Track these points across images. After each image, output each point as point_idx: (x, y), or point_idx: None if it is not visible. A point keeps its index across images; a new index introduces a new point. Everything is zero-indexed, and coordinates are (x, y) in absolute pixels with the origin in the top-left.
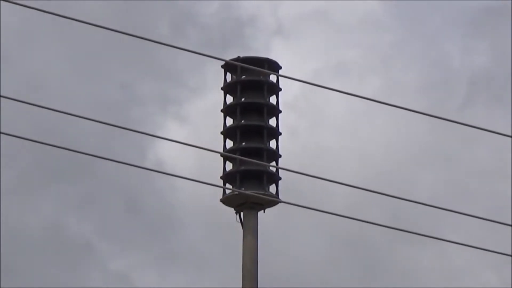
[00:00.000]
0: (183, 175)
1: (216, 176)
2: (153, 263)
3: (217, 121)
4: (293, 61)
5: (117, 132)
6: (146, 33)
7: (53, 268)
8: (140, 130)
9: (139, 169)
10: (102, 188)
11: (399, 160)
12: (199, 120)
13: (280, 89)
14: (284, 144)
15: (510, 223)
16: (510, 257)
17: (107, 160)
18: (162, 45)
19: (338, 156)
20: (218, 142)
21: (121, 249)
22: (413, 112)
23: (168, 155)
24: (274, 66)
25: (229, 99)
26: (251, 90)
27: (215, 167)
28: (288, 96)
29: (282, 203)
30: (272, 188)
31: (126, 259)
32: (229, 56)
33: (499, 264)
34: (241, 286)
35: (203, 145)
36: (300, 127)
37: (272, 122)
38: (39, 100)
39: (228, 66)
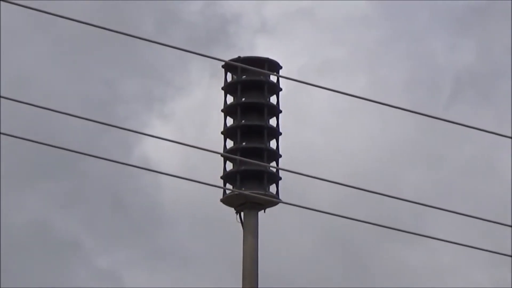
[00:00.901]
0: (169, 172)
1: (203, 173)
2: (140, 260)
3: (202, 118)
4: (277, 59)
5: (102, 130)
6: (131, 32)
7: (39, 266)
8: (127, 128)
9: (124, 166)
10: (88, 185)
11: (384, 159)
12: (184, 118)
13: (281, 89)
14: (285, 144)
15: (497, 221)
16: (497, 256)
17: (92, 158)
18: (146, 43)
19: (323, 154)
20: (204, 139)
21: (108, 246)
22: (398, 111)
23: (154, 152)
24: (274, 66)
25: (230, 99)
26: (252, 90)
27: (201, 164)
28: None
29: (282, 203)
30: (273, 188)
31: (113, 256)
32: (214, 54)
33: (487, 262)
34: (241, 286)
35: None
36: (285, 125)
37: (273, 122)
38: (23, 97)
39: (228, 66)
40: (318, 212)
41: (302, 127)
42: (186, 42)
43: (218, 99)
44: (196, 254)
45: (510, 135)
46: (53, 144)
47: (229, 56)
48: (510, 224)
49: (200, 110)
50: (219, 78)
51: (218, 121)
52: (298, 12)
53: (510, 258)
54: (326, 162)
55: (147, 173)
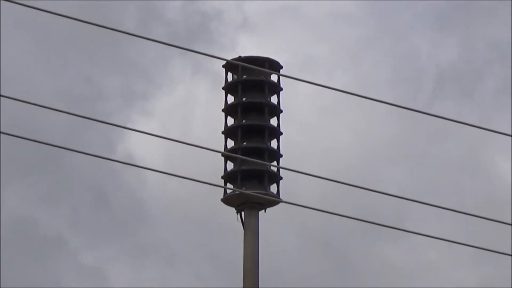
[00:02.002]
0: (151, 167)
1: (188, 170)
2: (124, 257)
3: (185, 115)
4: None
5: (84, 126)
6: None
7: (23, 262)
8: (117, 125)
9: (107, 162)
10: (71, 181)
11: (367, 156)
12: (166, 115)
13: (281, 89)
14: (284, 144)
15: (483, 216)
16: (480, 253)
17: (73, 153)
18: (128, 40)
19: (305, 152)
20: (187, 136)
21: (92, 242)
22: (381, 108)
23: (137, 148)
24: (275, 66)
25: (230, 98)
26: (252, 89)
27: (184, 159)
28: None
29: (283, 203)
30: (273, 188)
31: (97, 252)
32: (194, 49)
33: (470, 260)
34: (241, 285)
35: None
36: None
37: (273, 121)
38: (4, 92)
39: (229, 66)
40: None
41: (286, 124)
42: (167, 39)
43: (202, 95)
44: (181, 251)
45: (493, 130)
46: (36, 139)
47: (209, 53)
48: (497, 220)
49: (182, 107)
50: (202, 74)
51: (202, 117)
52: (280, 9)
53: (493, 255)
54: (308, 160)
55: (131, 169)
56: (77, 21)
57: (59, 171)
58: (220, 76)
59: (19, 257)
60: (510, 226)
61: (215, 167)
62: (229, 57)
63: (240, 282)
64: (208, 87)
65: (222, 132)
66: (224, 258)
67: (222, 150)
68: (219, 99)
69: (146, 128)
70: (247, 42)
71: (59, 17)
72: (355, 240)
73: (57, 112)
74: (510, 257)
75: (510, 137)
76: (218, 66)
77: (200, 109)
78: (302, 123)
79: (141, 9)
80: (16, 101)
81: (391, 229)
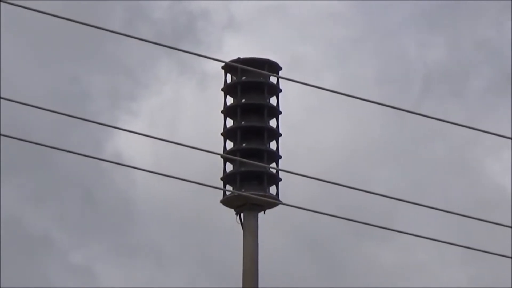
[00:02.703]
0: (140, 167)
1: (175, 169)
2: (114, 256)
3: (172, 115)
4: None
5: (72, 125)
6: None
7: (11, 262)
8: (104, 125)
9: (95, 162)
10: (59, 180)
11: (355, 156)
12: (152, 115)
13: (281, 90)
14: (284, 145)
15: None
16: (469, 253)
17: (61, 153)
18: (114, 40)
19: (293, 152)
20: (176, 136)
21: (81, 241)
22: (368, 108)
23: (125, 148)
24: (274, 68)
25: (230, 100)
26: (252, 91)
27: (172, 159)
28: None
29: (282, 204)
30: (273, 189)
31: (86, 251)
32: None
33: (459, 260)
34: (241, 286)
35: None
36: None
37: (273, 123)
38: None
39: (228, 67)
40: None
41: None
42: (153, 39)
43: (188, 96)
44: (170, 251)
45: (482, 130)
46: (24, 139)
47: (196, 52)
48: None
49: (169, 107)
50: (189, 74)
51: (189, 117)
52: (268, 8)
53: (482, 255)
54: (297, 160)
55: (119, 169)
56: (64, 21)
57: (47, 170)
58: (207, 75)
59: (8, 257)
60: (499, 226)
61: (205, 167)
62: (215, 57)
63: (235, 283)
64: (195, 87)
65: (221, 134)
66: (217, 259)
67: (221, 151)
68: (206, 98)
69: (135, 128)
70: (234, 42)
71: (45, 16)
72: (344, 240)
73: (43, 112)
74: (498, 257)
75: (497, 137)
76: (205, 66)
77: (187, 109)
78: (289, 123)
79: (127, 9)
80: (3, 100)
81: (381, 230)
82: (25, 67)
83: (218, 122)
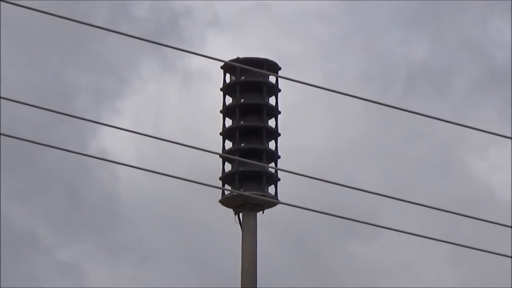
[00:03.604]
0: (125, 163)
1: (160, 165)
2: (101, 253)
3: (156, 113)
4: (231, 53)
5: (56, 123)
6: (82, 26)
7: None
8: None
9: (80, 159)
10: (44, 178)
11: (340, 155)
12: (136, 113)
13: (279, 90)
14: (283, 145)
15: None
16: (456, 253)
17: (46, 151)
18: (97, 38)
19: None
20: (160, 133)
21: (66, 239)
22: (352, 106)
23: (109, 145)
24: (273, 67)
25: (228, 100)
26: (250, 91)
27: (156, 157)
28: None
29: (281, 204)
30: (271, 189)
31: (73, 249)
32: (164, 48)
33: (445, 259)
34: (240, 286)
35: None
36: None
37: (271, 123)
38: None
39: (227, 67)
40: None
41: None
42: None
43: (172, 93)
44: (155, 249)
45: (468, 126)
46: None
47: (178, 51)
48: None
49: (153, 105)
50: (172, 72)
51: (173, 114)
52: (252, 6)
53: (469, 254)
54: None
55: (103, 166)
56: (47, 19)
57: (32, 168)
58: (190, 73)
59: None
60: (484, 225)
61: (190, 165)
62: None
63: (224, 283)
64: (179, 84)
65: (220, 133)
66: (204, 259)
67: (220, 151)
68: (190, 96)
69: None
70: (217, 40)
71: (29, 14)
72: (329, 239)
73: (25, 109)
74: (484, 256)
75: (483, 135)
76: (188, 64)
77: (171, 107)
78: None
79: (110, 7)
80: None
81: (366, 229)
82: (8, 65)
83: (202, 119)
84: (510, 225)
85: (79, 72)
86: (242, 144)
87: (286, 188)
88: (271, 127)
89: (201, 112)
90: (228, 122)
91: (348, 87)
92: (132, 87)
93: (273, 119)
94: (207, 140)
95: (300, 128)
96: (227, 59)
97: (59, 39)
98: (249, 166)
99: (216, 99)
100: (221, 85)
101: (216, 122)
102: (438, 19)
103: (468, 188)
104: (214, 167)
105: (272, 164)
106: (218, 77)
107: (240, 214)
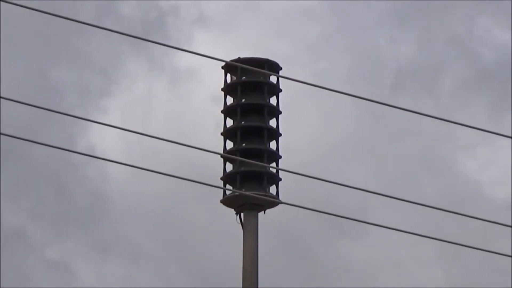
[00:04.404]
0: (115, 160)
1: (149, 163)
2: (89, 251)
3: (144, 111)
4: (217, 51)
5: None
6: (68, 24)
7: None
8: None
9: (68, 156)
10: (31, 175)
11: (327, 153)
12: (123, 111)
13: (281, 90)
14: (285, 145)
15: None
16: (444, 251)
17: (33, 148)
18: (84, 36)
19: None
20: (146, 132)
21: (55, 236)
22: (341, 104)
23: (98, 141)
24: (274, 67)
25: (229, 100)
26: (252, 91)
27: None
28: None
29: (282, 204)
30: (273, 189)
31: (61, 247)
32: (150, 46)
33: (435, 257)
34: (241, 286)
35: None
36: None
37: (273, 123)
38: None
39: (228, 67)
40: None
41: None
42: (122, 35)
43: (159, 92)
44: (144, 247)
45: (456, 122)
46: None
47: (165, 49)
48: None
49: (140, 104)
50: (159, 70)
51: (161, 113)
52: (240, 4)
53: (457, 253)
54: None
55: (91, 164)
56: (33, 16)
57: (20, 165)
58: (178, 71)
59: None
60: (473, 223)
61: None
62: (185, 53)
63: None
64: (166, 83)
65: (221, 134)
66: (194, 258)
67: (221, 151)
68: (178, 94)
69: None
70: (204, 38)
71: (15, 10)
72: (318, 237)
73: (13, 107)
74: (474, 255)
75: (471, 134)
76: (175, 62)
77: (158, 105)
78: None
79: (96, 6)
80: None
81: (354, 228)
82: None
83: (190, 117)
84: (499, 222)
85: (65, 71)
86: (243, 144)
87: (286, 188)
88: (272, 127)
89: (189, 110)
90: (229, 122)
91: (336, 86)
92: (119, 86)
93: (274, 119)
94: (197, 138)
95: (289, 125)
96: (213, 58)
97: (45, 37)
98: (250, 166)
99: (204, 97)
100: (211, 83)
101: (206, 120)
102: (426, 17)
103: (456, 186)
104: (205, 165)
105: (274, 164)
106: (206, 75)
107: (241, 214)
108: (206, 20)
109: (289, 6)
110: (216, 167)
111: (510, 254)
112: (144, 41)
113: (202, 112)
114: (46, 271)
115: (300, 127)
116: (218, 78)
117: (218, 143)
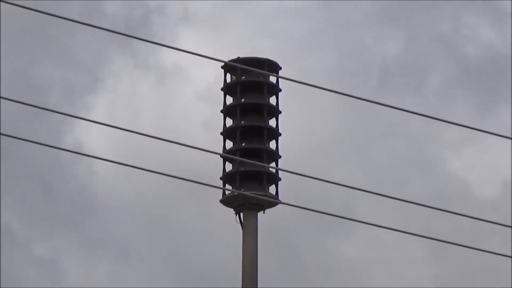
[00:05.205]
0: (103, 158)
1: (137, 160)
2: (76, 249)
3: (130, 110)
4: (203, 50)
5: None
6: (56, 22)
7: None
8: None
9: (55, 153)
10: (17, 172)
11: (312, 150)
12: (109, 110)
13: (280, 90)
14: (284, 145)
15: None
16: (432, 251)
17: (20, 145)
18: (69, 34)
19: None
20: (135, 129)
21: (42, 234)
22: (326, 102)
23: (86, 138)
24: (274, 67)
25: (229, 99)
26: (251, 91)
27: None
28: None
29: (281, 204)
30: (272, 189)
31: (48, 244)
32: (135, 45)
33: (423, 256)
34: (240, 286)
35: None
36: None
37: (272, 123)
38: None
39: (227, 67)
40: None
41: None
42: (108, 34)
43: (145, 91)
44: (132, 246)
45: (444, 120)
46: None
47: (150, 47)
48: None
49: (126, 102)
50: (145, 69)
51: (147, 111)
52: (226, 2)
53: (445, 251)
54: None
55: (78, 161)
56: (18, 14)
57: (6, 162)
58: (164, 69)
59: None
60: (460, 221)
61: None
62: (170, 51)
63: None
64: (152, 81)
65: (221, 133)
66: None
67: (221, 151)
68: (164, 92)
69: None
70: (190, 36)
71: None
72: (306, 236)
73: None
74: (462, 254)
75: (458, 132)
76: (161, 60)
77: (144, 103)
78: None
79: (82, 3)
80: None
81: (342, 226)
82: None
83: (177, 115)
84: (488, 221)
85: (50, 69)
86: (243, 144)
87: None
88: (272, 127)
89: (176, 108)
90: (229, 122)
91: (322, 84)
92: (105, 84)
93: (274, 119)
94: (184, 136)
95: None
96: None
97: (30, 34)
98: (250, 166)
99: (190, 95)
100: (197, 81)
101: (192, 117)
102: (412, 15)
103: (443, 184)
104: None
105: (273, 164)
106: (192, 73)
107: (241, 214)
108: (192, 18)
109: (275, 4)
110: (204, 165)
111: (507, 253)
112: (129, 40)
113: (188, 109)
114: (33, 268)
115: (286, 126)
116: (204, 76)
117: (205, 140)
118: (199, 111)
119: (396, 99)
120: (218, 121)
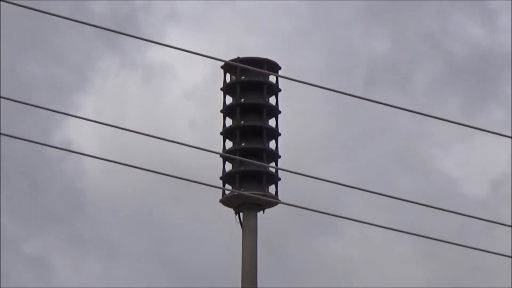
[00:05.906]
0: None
1: (128, 157)
2: (65, 246)
3: (118, 108)
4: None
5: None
6: (44, 21)
7: None
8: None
9: (42, 152)
10: (6, 170)
11: (301, 149)
12: (96, 108)
13: (280, 90)
14: (283, 145)
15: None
16: (421, 250)
17: (7, 143)
18: (57, 33)
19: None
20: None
21: (31, 232)
22: (315, 101)
23: (74, 136)
24: (273, 67)
25: (229, 99)
26: (251, 90)
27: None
28: (186, 83)
29: (281, 204)
30: (272, 189)
31: (38, 242)
32: (122, 43)
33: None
34: (240, 286)
35: None
36: (199, 115)
37: (272, 122)
38: None
39: (227, 67)
40: None
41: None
42: (95, 32)
43: (132, 89)
44: (120, 243)
45: (434, 117)
46: None
47: (137, 45)
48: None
49: (114, 100)
50: (132, 67)
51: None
52: (214, 0)
53: (433, 251)
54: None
55: (66, 159)
56: (6, 11)
57: None
58: (151, 67)
59: None
60: (449, 220)
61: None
62: (158, 48)
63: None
64: (139, 79)
65: (221, 133)
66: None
67: (221, 151)
68: (151, 90)
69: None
70: (177, 34)
71: None
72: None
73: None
74: (451, 253)
75: (447, 130)
76: (148, 58)
77: (132, 101)
78: None
79: (69, 3)
80: None
81: (330, 226)
82: None
83: (164, 113)
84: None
85: (37, 67)
86: (243, 144)
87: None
88: (271, 127)
89: (163, 105)
90: (229, 122)
91: (310, 81)
92: (92, 82)
93: (274, 118)
94: (171, 133)
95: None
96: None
97: (18, 32)
98: (250, 166)
99: (177, 92)
100: (185, 78)
101: (179, 115)
102: (399, 13)
103: (432, 182)
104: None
105: (273, 164)
106: (179, 71)
107: (241, 214)
108: (178, 16)
109: (262, 2)
110: (190, 162)
111: (506, 253)
112: (116, 38)
113: (175, 107)
114: (23, 266)
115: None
116: (192, 74)
117: (192, 137)
118: (186, 108)
119: (384, 97)
120: (205, 119)
